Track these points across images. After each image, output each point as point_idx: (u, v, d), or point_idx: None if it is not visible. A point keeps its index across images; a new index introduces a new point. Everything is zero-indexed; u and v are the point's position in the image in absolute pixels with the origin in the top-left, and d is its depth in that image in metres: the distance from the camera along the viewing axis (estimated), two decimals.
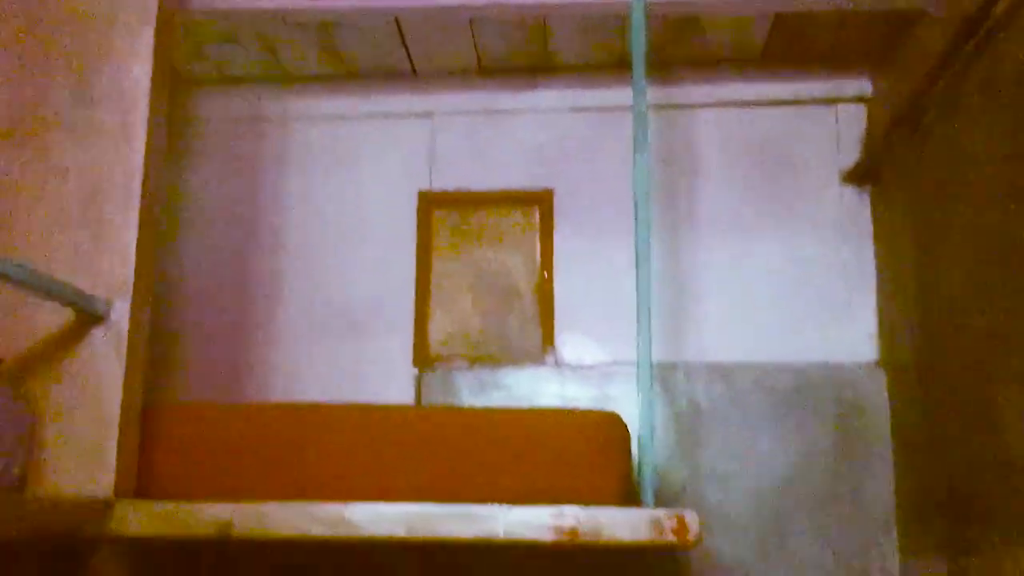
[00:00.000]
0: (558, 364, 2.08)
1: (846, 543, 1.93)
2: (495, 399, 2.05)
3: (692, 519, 1.32)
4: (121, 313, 1.38)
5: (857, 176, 2.10)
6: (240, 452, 1.46)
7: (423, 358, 2.10)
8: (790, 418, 1.99)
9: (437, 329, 2.12)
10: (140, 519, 1.32)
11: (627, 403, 1.93)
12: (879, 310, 2.05)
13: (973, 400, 1.59)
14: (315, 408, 1.54)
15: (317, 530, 1.32)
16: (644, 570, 1.88)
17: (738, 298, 2.08)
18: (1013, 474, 1.44)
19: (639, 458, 1.62)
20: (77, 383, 1.37)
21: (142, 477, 1.43)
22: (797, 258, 2.09)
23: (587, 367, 2.07)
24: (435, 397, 2.07)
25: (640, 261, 1.65)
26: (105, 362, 1.37)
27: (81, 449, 1.34)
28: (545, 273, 2.13)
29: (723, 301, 2.08)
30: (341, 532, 1.32)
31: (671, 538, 1.31)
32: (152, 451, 1.45)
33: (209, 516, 1.32)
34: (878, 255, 2.06)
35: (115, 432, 1.34)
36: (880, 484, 1.95)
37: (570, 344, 2.10)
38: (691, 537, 1.31)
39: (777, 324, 2.06)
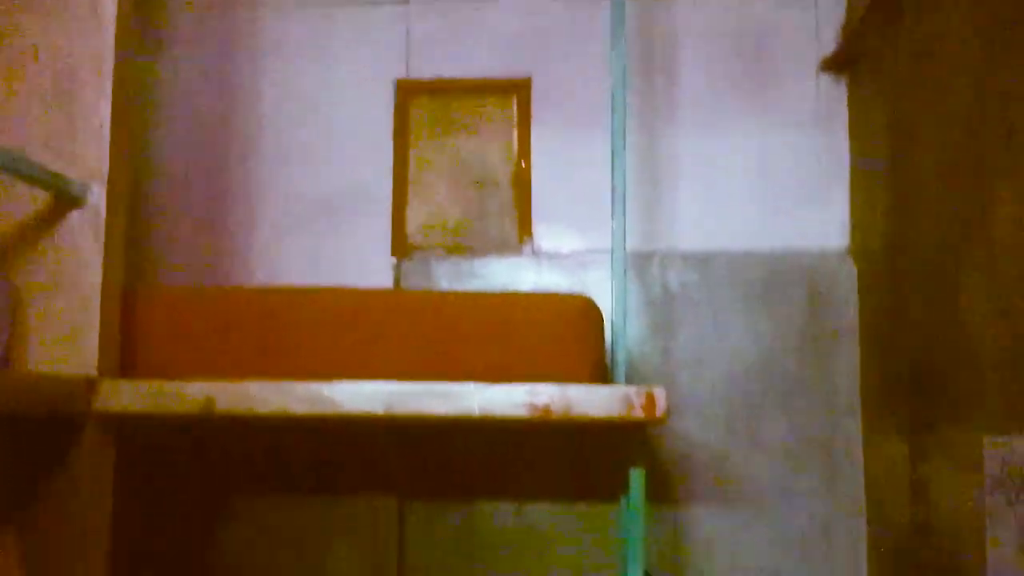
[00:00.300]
0: (535, 253, 2.11)
1: (812, 425, 2.00)
2: (472, 288, 2.08)
3: (660, 395, 1.37)
4: (98, 196, 1.39)
5: (835, 65, 2.10)
6: (222, 335, 1.49)
7: (401, 247, 2.12)
8: (761, 305, 2.04)
9: (415, 218, 2.14)
10: (124, 397, 1.35)
11: (603, 291, 1.96)
12: (851, 199, 2.07)
13: (938, 286, 1.63)
14: (295, 291, 1.56)
15: (298, 407, 1.36)
16: (617, 451, 1.94)
17: (713, 187, 2.10)
18: (972, 356, 1.49)
19: (612, 343, 1.67)
20: (57, 266, 1.38)
21: (126, 359, 1.46)
22: (773, 147, 2.10)
23: (563, 256, 2.10)
24: (413, 286, 2.10)
25: (616, 150, 1.67)
26: (83, 245, 1.38)
27: (63, 329, 1.37)
28: (523, 162, 2.14)
29: (698, 190, 2.10)
30: (321, 409, 1.36)
31: (640, 414, 1.36)
32: (135, 334, 1.48)
33: (193, 394, 1.35)
34: (853, 144, 2.08)
35: (96, 313, 1.36)
36: (846, 369, 2.01)
37: (547, 233, 2.12)
38: (659, 412, 1.36)
39: (751, 213, 2.08)
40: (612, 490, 1.98)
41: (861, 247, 2.03)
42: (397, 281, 2.10)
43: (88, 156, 1.40)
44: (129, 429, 1.83)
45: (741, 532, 1.99)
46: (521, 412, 1.36)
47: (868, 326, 1.98)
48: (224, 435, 2.00)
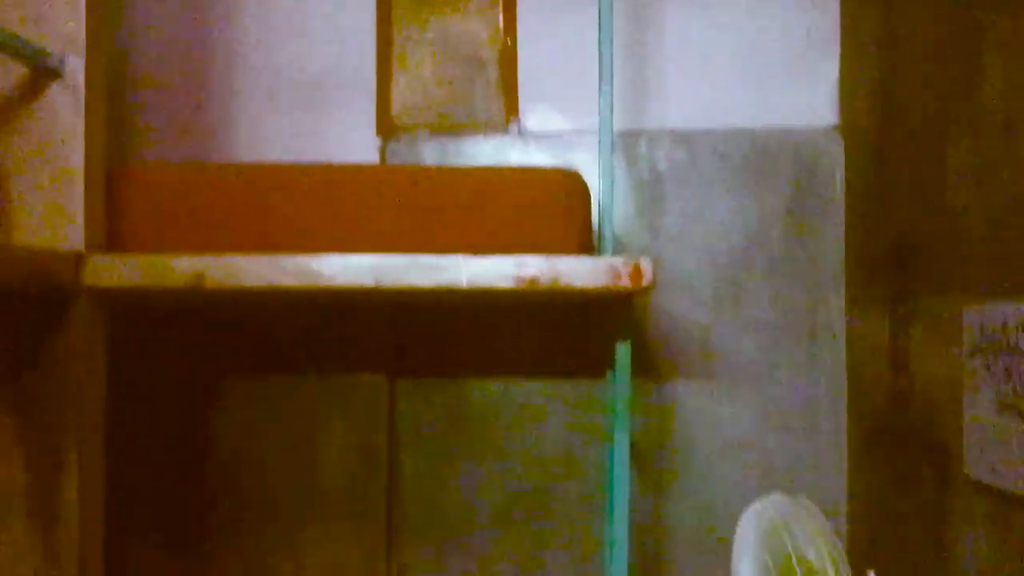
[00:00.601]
0: (521, 133, 2.09)
1: (796, 301, 2.03)
2: None
3: (647, 265, 1.38)
4: (76, 68, 1.36)
5: None
6: (208, 211, 1.49)
7: (386, 128, 2.10)
8: (749, 183, 2.04)
9: (400, 98, 2.11)
10: (113, 271, 1.35)
11: (590, 171, 1.95)
12: (841, 75, 2.05)
13: (924, 159, 1.64)
14: (282, 167, 1.56)
15: (287, 281, 1.36)
16: (605, 329, 1.97)
17: (702, 64, 2.07)
18: (955, 226, 1.51)
19: (599, 222, 1.67)
20: (37, 140, 1.37)
21: (112, 237, 1.46)
22: (763, 23, 2.07)
23: (551, 135, 2.08)
24: None
25: (603, 27, 1.64)
26: (64, 118, 1.36)
27: (48, 205, 1.36)
28: (508, 40, 2.10)
29: (687, 67, 2.07)
30: (310, 282, 1.36)
31: (626, 283, 1.37)
32: (121, 211, 1.47)
33: (182, 268, 1.36)
34: (843, 18, 2.05)
35: (80, 187, 1.36)
36: (831, 245, 2.03)
37: (534, 113, 2.10)
38: (645, 282, 1.37)
39: (740, 90, 2.06)
40: (600, 367, 2.01)
41: (849, 123, 2.02)
42: (383, 162, 2.08)
43: (64, 27, 1.36)
44: (121, 310, 1.85)
45: (725, 405, 2.03)
46: (509, 284, 1.37)
47: (854, 202, 1.99)
48: (216, 315, 2.01)
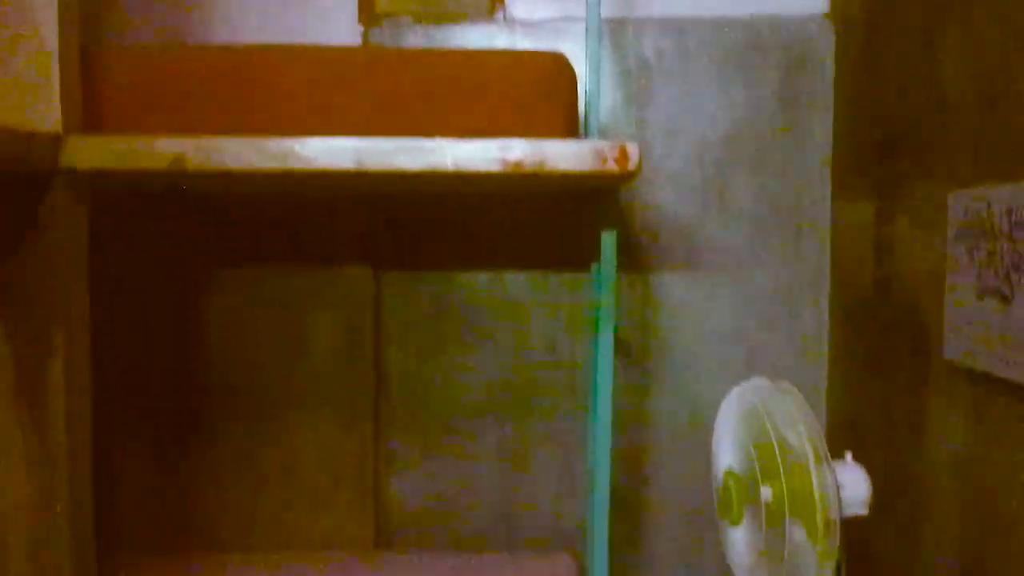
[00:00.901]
0: (507, 21, 2.05)
1: (782, 192, 2.03)
2: None
3: (633, 149, 1.36)
4: None
5: None
6: (187, 94, 1.46)
7: (368, 15, 2.05)
8: (737, 72, 2.01)
9: None
10: (92, 153, 1.33)
11: (578, 60, 1.92)
12: None
13: (916, 46, 1.61)
14: (263, 48, 1.52)
15: (269, 164, 1.34)
16: (591, 221, 1.96)
17: None
18: (944, 112, 1.50)
19: (585, 112, 1.65)
20: (10, 21, 1.32)
21: (89, 122, 1.43)
22: None
23: (536, 23, 2.04)
24: None
25: None
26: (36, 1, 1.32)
27: (22, 86, 1.33)
28: None
29: None
30: (292, 165, 1.34)
31: (613, 167, 1.36)
32: (98, 95, 1.44)
33: (162, 149, 1.33)
34: None
35: (56, 68, 1.32)
36: (819, 136, 2.01)
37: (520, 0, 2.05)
38: (632, 166, 1.36)
39: None
40: (586, 260, 2.01)
41: (840, 10, 1.98)
42: None
43: None
44: (106, 200, 1.83)
45: (709, 296, 2.05)
46: (494, 167, 1.36)
47: (843, 92, 1.97)
48: (203, 206, 2.00)
